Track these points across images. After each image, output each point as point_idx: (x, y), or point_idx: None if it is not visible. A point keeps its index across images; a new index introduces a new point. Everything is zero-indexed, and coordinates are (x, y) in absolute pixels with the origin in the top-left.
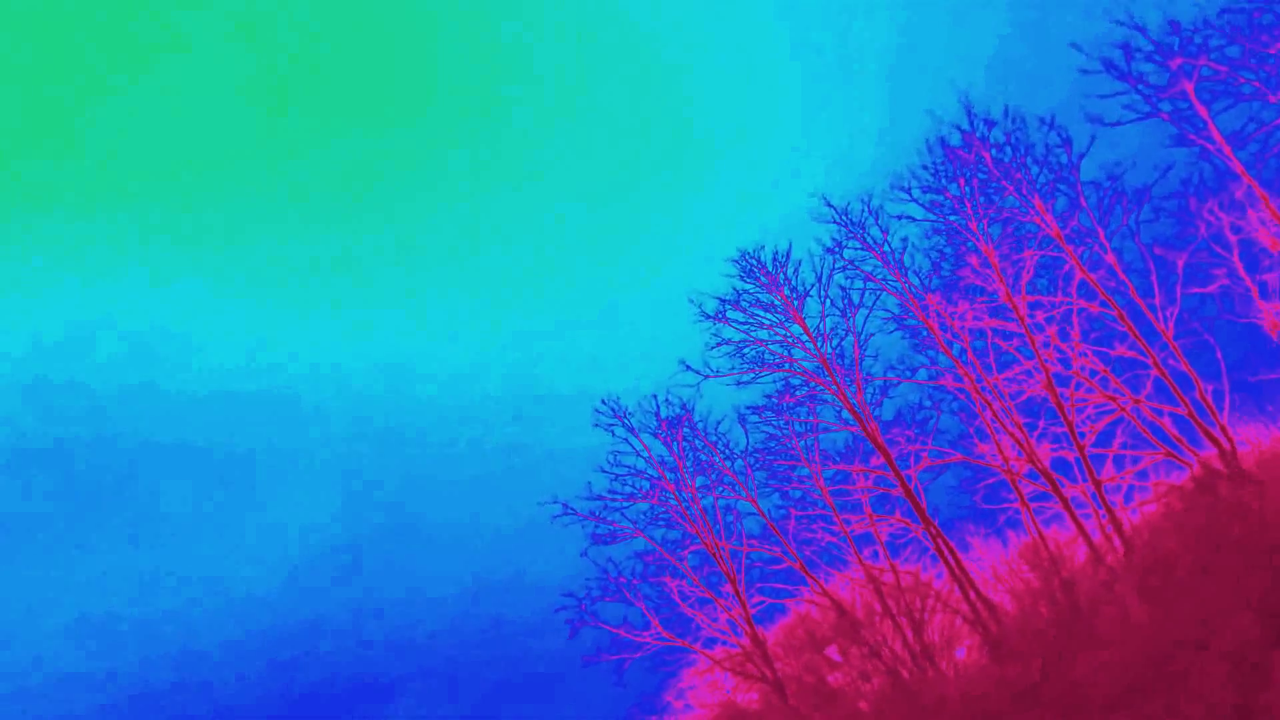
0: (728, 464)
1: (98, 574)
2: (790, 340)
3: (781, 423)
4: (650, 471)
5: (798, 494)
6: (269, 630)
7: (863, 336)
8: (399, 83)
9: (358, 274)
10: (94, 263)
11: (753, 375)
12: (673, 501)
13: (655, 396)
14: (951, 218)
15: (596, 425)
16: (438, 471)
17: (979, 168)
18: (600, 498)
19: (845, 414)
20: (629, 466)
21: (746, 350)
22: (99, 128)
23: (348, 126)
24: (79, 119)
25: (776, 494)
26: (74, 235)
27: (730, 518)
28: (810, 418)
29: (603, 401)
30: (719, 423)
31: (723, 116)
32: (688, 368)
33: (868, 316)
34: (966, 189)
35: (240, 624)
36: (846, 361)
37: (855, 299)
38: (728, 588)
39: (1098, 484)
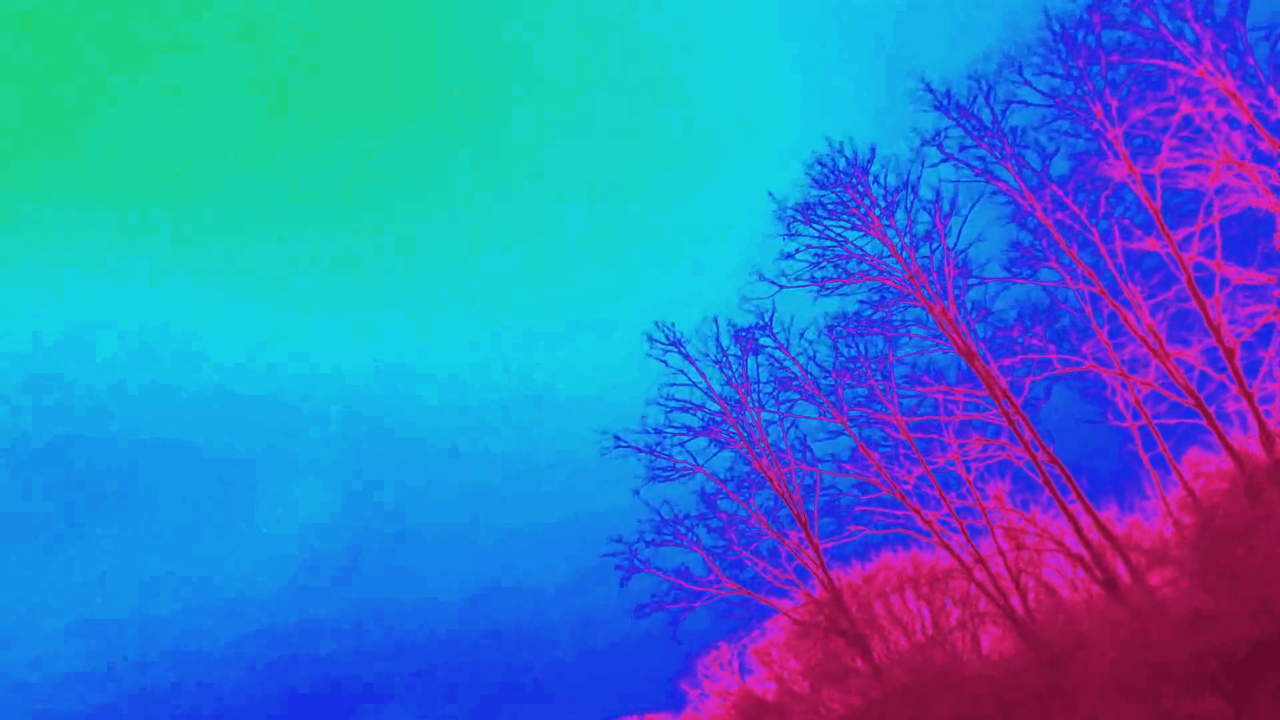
0: (811, 381)
1: (96, 575)
2: (871, 253)
3: (868, 340)
4: (710, 405)
5: (877, 430)
6: (266, 632)
7: (961, 245)
8: (402, 83)
9: (359, 275)
10: (95, 261)
11: (836, 285)
12: (735, 435)
13: (716, 319)
14: (1073, 99)
15: (650, 355)
16: (437, 475)
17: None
18: (658, 431)
19: (939, 328)
20: (684, 401)
21: (824, 264)
22: (101, 126)
23: (350, 128)
24: (81, 117)
25: (856, 426)
26: (74, 233)
27: (802, 454)
28: (899, 332)
29: (657, 325)
30: (803, 332)
31: (719, 112)
32: (762, 278)
33: (966, 217)
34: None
35: (238, 625)
36: (941, 270)
37: (952, 200)
38: (797, 532)
39: (1248, 395)
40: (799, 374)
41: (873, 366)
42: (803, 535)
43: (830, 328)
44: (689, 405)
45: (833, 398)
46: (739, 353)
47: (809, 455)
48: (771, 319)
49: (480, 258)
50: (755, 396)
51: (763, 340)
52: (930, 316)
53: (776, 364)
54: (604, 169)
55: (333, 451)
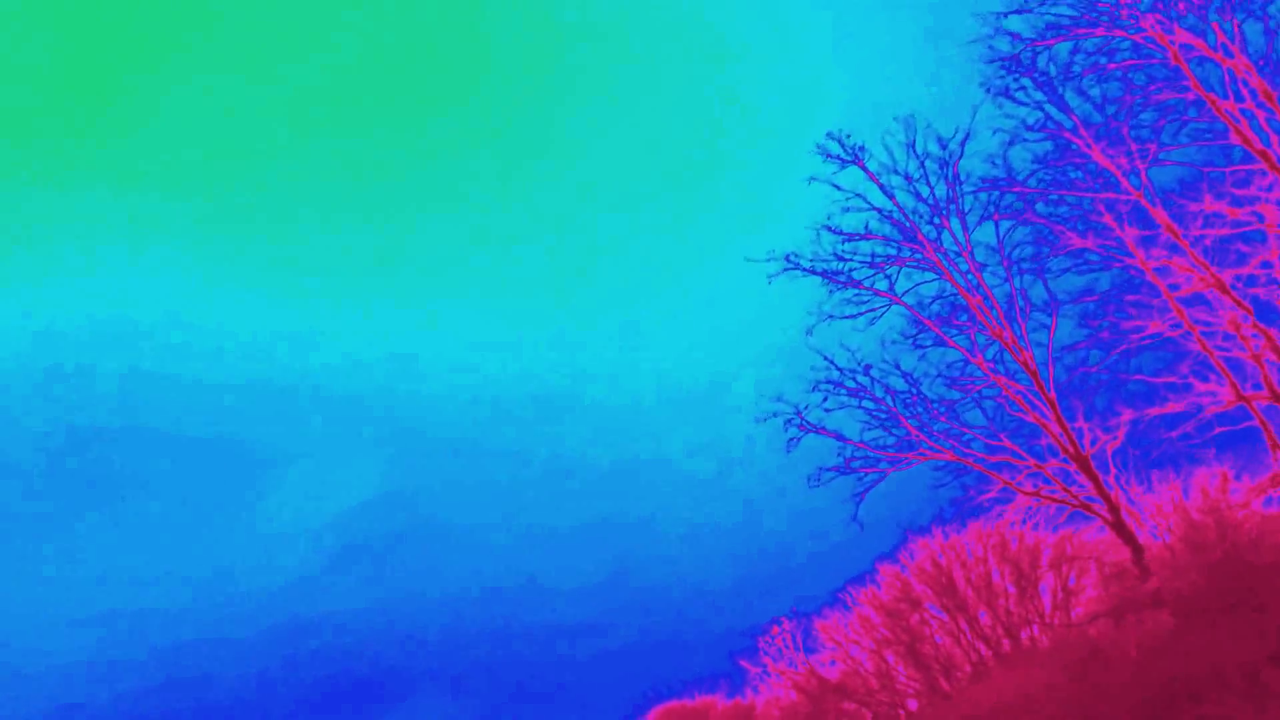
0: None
1: (125, 566)
2: None
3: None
4: (893, 240)
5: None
6: (293, 621)
7: None
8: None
9: (390, 271)
10: (117, 252)
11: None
12: (937, 264)
13: (910, 118)
14: None
15: (812, 180)
16: (466, 473)
17: None
18: (839, 257)
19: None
20: (857, 231)
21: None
22: (115, 118)
23: (386, 127)
24: (96, 108)
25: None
26: (101, 224)
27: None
28: None
29: (828, 136)
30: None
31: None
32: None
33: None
34: None
35: (266, 615)
36: None
37: None
38: (1025, 384)
39: None
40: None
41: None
42: (1032, 386)
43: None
44: (871, 232)
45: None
46: (943, 155)
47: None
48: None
49: (518, 260)
50: (960, 206)
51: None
52: None
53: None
54: (634, 174)
55: (357, 447)
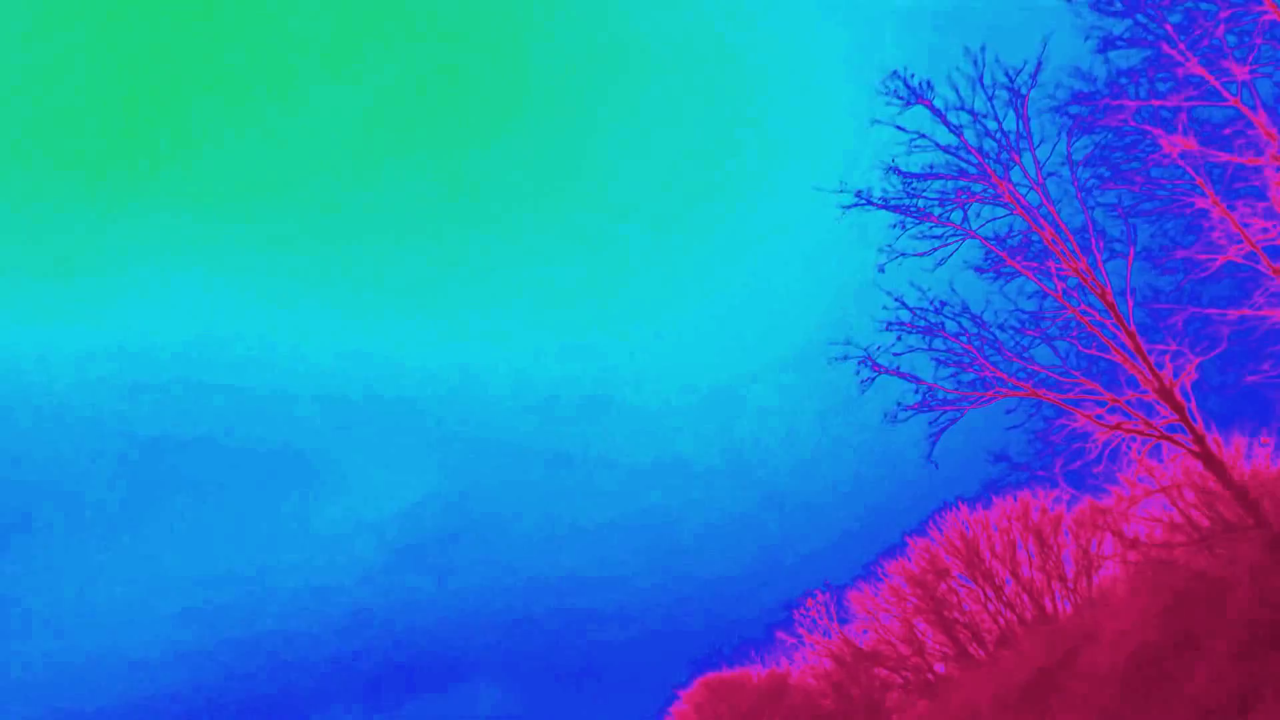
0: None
1: (206, 563)
2: None
3: None
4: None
5: None
6: (364, 610)
7: None
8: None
9: (439, 286)
10: (187, 275)
11: None
12: (1008, 201)
13: (980, 49)
14: None
15: (875, 123)
16: (507, 474)
17: None
18: (909, 194)
19: None
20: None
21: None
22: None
23: (437, 151)
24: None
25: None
26: (170, 248)
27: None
28: None
29: (893, 75)
30: None
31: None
32: None
33: None
34: None
35: (325, 611)
36: None
37: None
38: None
39: None
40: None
41: None
42: (1110, 319)
43: None
44: (939, 171)
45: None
46: (1013, 86)
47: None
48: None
49: (565, 267)
50: (1030, 139)
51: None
52: None
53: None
54: (667, 191)
55: (416, 448)
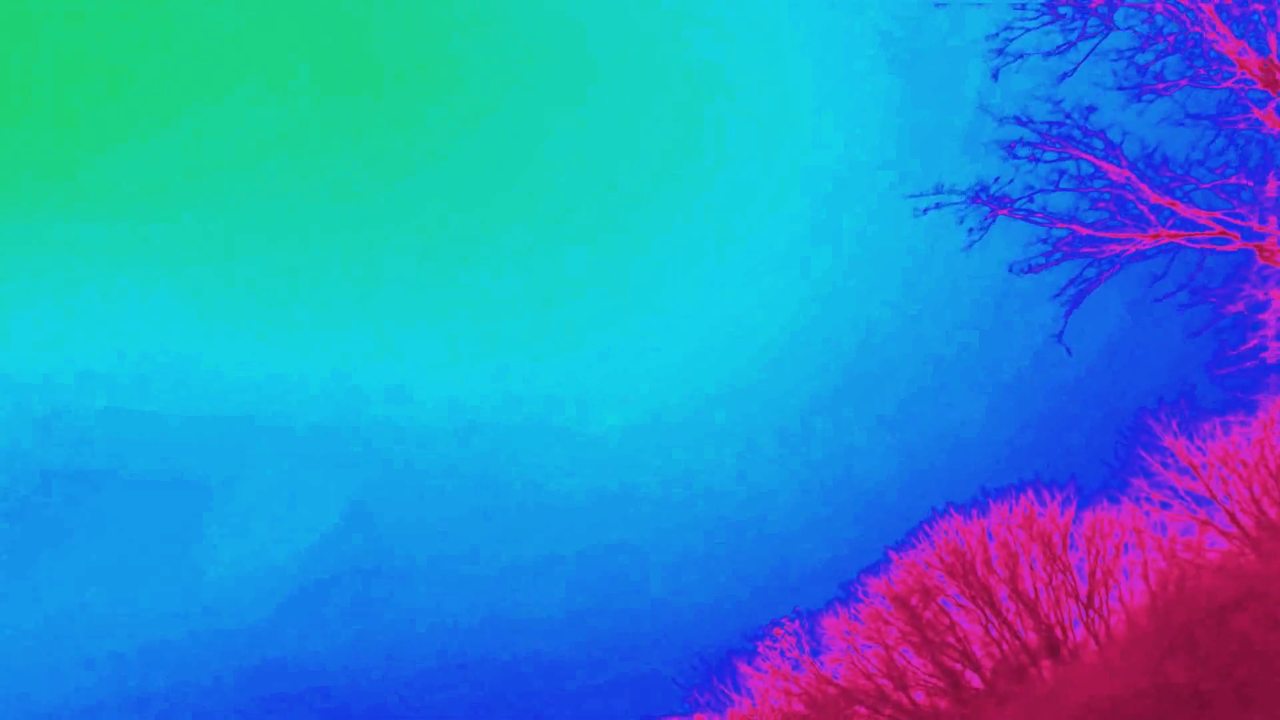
0: None
1: (78, 608)
2: None
3: None
4: None
5: None
6: (261, 666)
7: None
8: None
9: (351, 293)
10: (48, 283)
11: None
12: None
13: None
14: None
15: None
16: (437, 502)
17: None
18: None
19: None
20: None
21: None
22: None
23: (355, 151)
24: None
25: None
26: (34, 254)
27: None
28: None
29: None
30: None
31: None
32: None
33: None
34: None
35: (224, 659)
36: None
37: None
38: None
39: None
40: None
41: None
42: None
43: None
44: None
45: None
46: None
47: None
48: None
49: (486, 280)
50: None
51: None
52: None
53: None
54: (613, 200)
55: (325, 475)
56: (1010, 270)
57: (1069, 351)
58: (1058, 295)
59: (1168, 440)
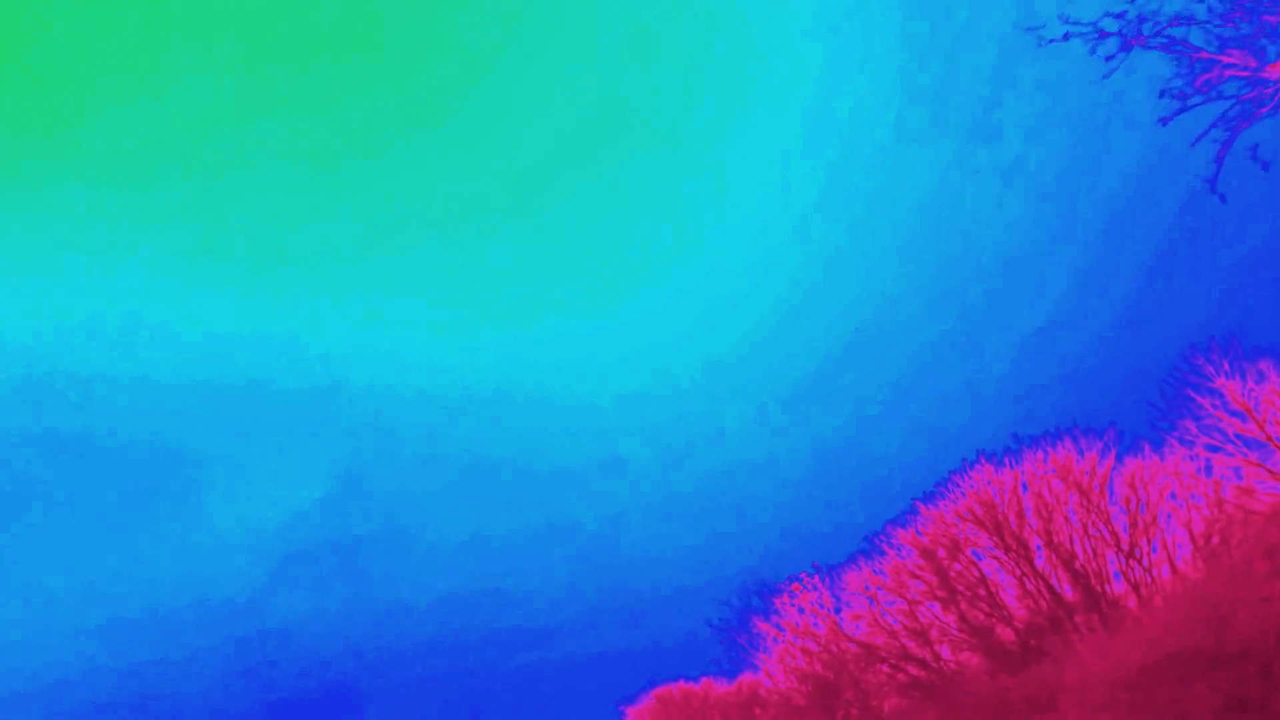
0: None
1: (68, 577)
2: None
3: None
4: None
5: None
6: (243, 636)
7: None
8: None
9: (346, 264)
10: (34, 249)
11: None
12: None
13: None
14: None
15: None
16: (426, 476)
17: None
18: None
19: None
20: None
21: None
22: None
23: (352, 127)
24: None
25: None
26: (15, 221)
27: None
28: None
29: None
30: None
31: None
32: None
33: None
34: None
35: (213, 628)
36: None
37: None
38: None
39: None
40: None
41: None
42: None
43: None
44: None
45: None
46: None
47: None
48: None
49: (489, 256)
50: None
51: None
52: None
53: None
54: (602, 182)
55: (319, 444)
56: (1160, 123)
57: (1223, 199)
58: (1195, 142)
59: (1219, 381)
